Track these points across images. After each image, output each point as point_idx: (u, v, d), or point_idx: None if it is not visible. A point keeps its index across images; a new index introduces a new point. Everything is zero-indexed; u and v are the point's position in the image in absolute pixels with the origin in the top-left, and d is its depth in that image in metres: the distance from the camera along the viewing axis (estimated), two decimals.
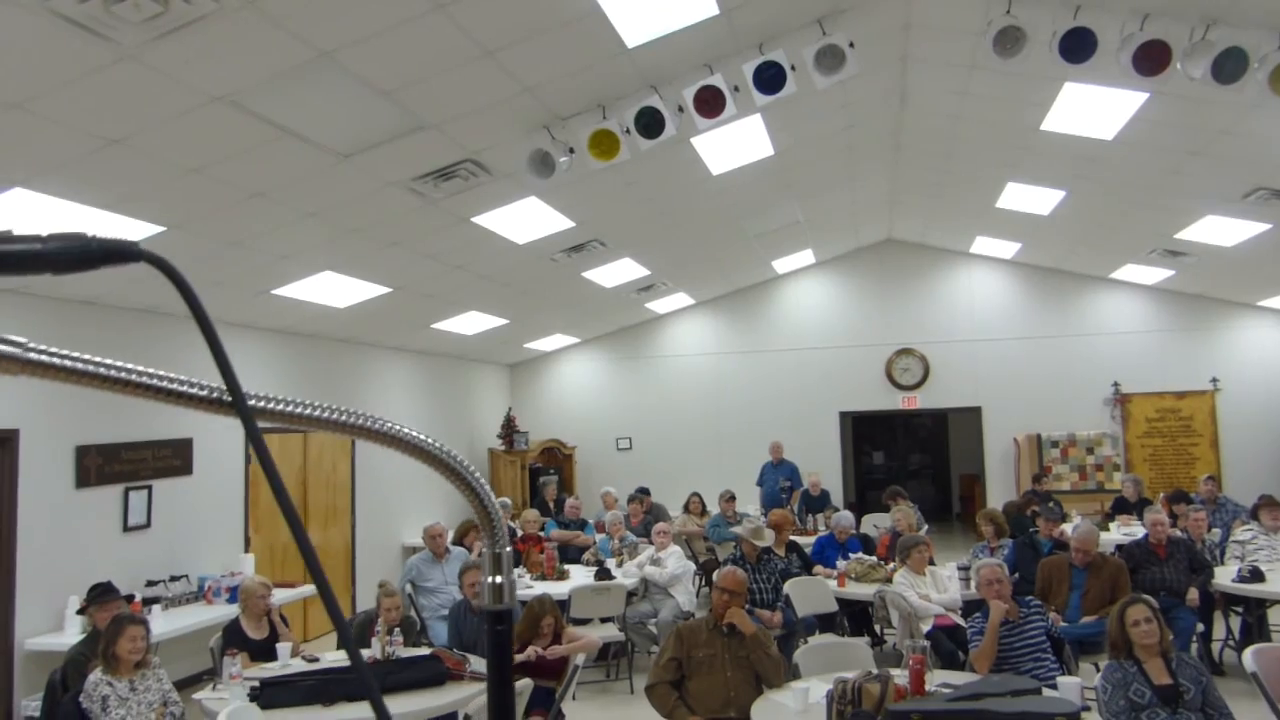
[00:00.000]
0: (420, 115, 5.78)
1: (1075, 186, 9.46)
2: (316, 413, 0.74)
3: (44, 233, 0.60)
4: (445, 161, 6.56)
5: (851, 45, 5.75)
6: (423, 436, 0.80)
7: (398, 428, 0.78)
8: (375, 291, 9.17)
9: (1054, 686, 4.69)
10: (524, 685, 4.88)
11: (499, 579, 0.93)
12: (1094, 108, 7.18)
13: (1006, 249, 13.54)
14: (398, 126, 5.84)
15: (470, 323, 11.78)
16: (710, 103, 6.06)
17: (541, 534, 9.87)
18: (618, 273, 11.35)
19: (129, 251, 0.62)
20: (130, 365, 0.67)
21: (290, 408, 0.73)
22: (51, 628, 6.89)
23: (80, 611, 6.59)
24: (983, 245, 13.69)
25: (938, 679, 4.86)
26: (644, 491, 12.27)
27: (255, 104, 5.07)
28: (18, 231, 0.59)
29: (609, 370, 15.67)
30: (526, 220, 8.32)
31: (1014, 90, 7.30)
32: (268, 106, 5.14)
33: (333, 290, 8.80)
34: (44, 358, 0.63)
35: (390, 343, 11.90)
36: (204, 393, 0.69)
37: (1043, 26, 5.42)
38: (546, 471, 14.31)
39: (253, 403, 0.70)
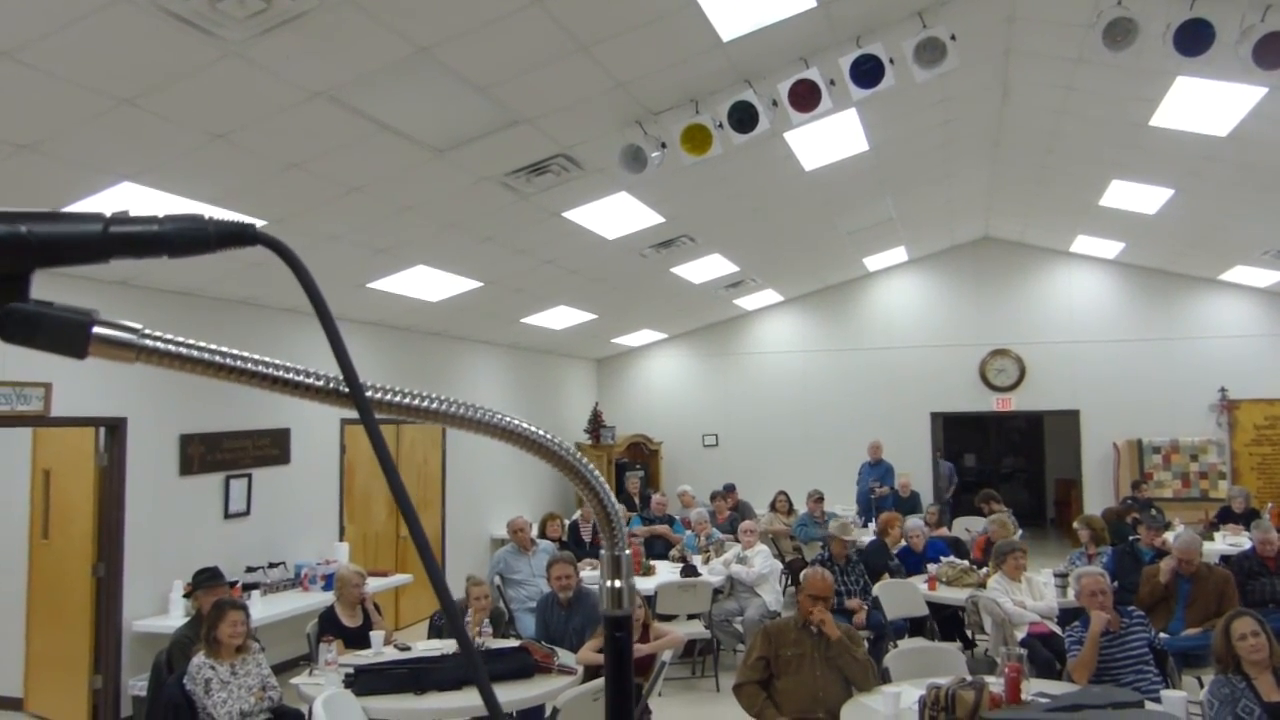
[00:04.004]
0: (514, 110, 5.81)
1: (1184, 184, 9.07)
2: (430, 404, 0.71)
3: (161, 214, 0.59)
4: (538, 156, 6.59)
5: (953, 38, 5.60)
6: (540, 431, 0.76)
7: (514, 421, 0.75)
8: (467, 286, 9.28)
9: (1157, 700, 4.52)
10: None
11: (618, 583, 0.86)
12: (1208, 103, 6.86)
13: (1109, 249, 13.05)
14: (492, 122, 5.89)
15: (559, 317, 11.86)
16: (805, 97, 5.96)
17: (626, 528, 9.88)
18: (707, 269, 11.29)
19: (245, 234, 0.61)
20: (246, 354, 0.66)
21: (404, 399, 0.71)
22: (157, 610, 7.13)
23: (187, 595, 6.80)
24: (1084, 244, 13.22)
25: (1034, 688, 4.73)
26: (730, 488, 12.20)
27: (354, 99, 5.16)
28: (134, 213, 0.58)
29: (696, 366, 15.60)
30: (617, 215, 8.33)
31: (1122, 85, 7.02)
32: (366, 102, 5.22)
33: (426, 284, 8.93)
34: (158, 344, 0.62)
35: (480, 336, 12.04)
36: (321, 383, 0.67)
37: (1156, 18, 5.21)
38: (633, 467, 14.31)
39: (370, 394, 0.68)
